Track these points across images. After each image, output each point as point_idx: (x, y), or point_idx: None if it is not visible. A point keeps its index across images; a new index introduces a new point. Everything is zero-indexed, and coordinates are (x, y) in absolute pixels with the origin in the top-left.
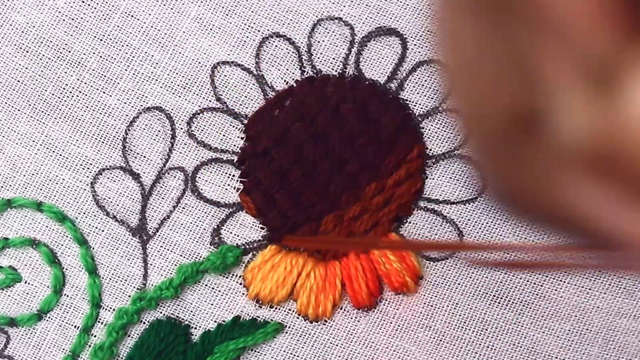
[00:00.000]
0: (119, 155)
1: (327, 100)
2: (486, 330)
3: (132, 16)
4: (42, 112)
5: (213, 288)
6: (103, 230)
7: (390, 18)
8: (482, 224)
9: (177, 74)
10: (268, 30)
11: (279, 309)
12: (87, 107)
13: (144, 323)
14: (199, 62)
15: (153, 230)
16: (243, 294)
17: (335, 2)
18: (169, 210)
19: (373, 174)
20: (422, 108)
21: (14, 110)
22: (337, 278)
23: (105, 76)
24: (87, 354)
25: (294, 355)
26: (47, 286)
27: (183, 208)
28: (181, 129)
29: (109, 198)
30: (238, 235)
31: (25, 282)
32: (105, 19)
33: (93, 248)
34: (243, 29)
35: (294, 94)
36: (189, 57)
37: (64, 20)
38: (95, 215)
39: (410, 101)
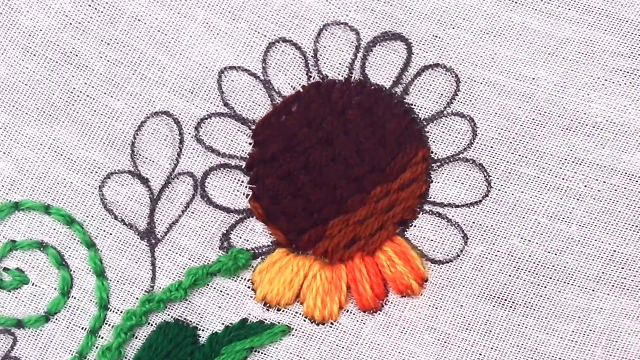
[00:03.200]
0: (127, 159)
1: (333, 105)
2: (491, 331)
3: (139, 20)
4: (50, 115)
5: (221, 291)
6: (111, 234)
7: (396, 23)
8: (487, 227)
9: (184, 78)
10: (274, 35)
11: (286, 312)
12: (94, 110)
13: (152, 325)
14: (206, 67)
15: (161, 234)
16: (251, 296)
17: (341, 7)
18: (177, 215)
19: (378, 177)
20: (427, 112)
21: (21, 114)
22: (343, 281)
23: (112, 80)
24: (94, 355)
25: (300, 357)
26: (54, 288)
27: (192, 213)
28: (189, 133)
29: (117, 202)
30: (248, 240)
31: (33, 284)
32: (112, 23)
33: (101, 251)
34: (250, 34)
35: (300, 100)
36: (196, 62)
37: (71, 24)
38: (103, 219)
39: (415, 105)
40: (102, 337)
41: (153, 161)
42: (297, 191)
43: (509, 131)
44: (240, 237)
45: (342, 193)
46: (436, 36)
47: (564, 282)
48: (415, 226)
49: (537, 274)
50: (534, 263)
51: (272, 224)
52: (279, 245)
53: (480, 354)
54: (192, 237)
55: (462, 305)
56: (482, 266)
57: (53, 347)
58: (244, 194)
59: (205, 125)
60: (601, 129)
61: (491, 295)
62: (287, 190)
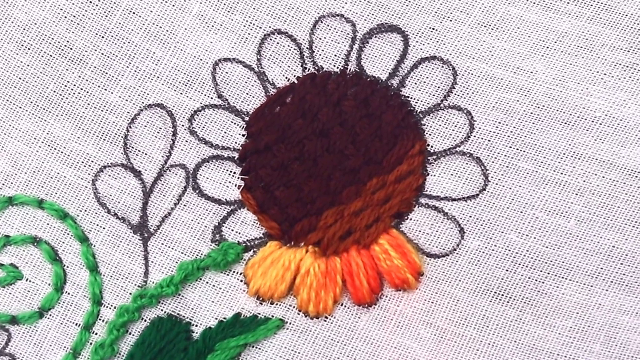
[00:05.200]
0: (120, 152)
1: (328, 97)
2: (487, 327)
3: (133, 13)
4: (44, 109)
5: (214, 285)
6: (104, 228)
7: (392, 15)
8: (484, 221)
9: (178, 70)
10: (269, 27)
11: (280, 306)
12: (88, 104)
13: (145, 320)
14: (201, 59)
15: (154, 228)
16: (244, 290)
17: None
18: (170, 208)
19: (374, 169)
20: (423, 104)
21: (15, 108)
22: (338, 274)
23: (106, 73)
24: (88, 351)
25: (295, 351)
26: (48, 284)
27: (184, 205)
28: (182, 126)
29: (110, 195)
30: (240, 233)
31: (27, 280)
32: (106, 16)
33: (94, 245)
34: (244, 26)
35: (295, 91)
36: (190, 54)
37: (65, 17)
38: (96, 213)
39: (411, 97)
40: (96, 333)
41: (146, 154)
42: (291, 181)
43: (506, 125)
44: (232, 230)
45: (337, 184)
46: (433, 28)
47: (562, 278)
48: (411, 219)
49: (534, 269)
50: (532, 258)
51: (264, 214)
52: (271, 238)
53: (476, 350)
54: (185, 230)
55: (458, 300)
56: (479, 261)
57: (47, 343)
58: (235, 185)
59: (199, 117)
60: (600, 124)
61: (488, 290)
62: (280, 181)
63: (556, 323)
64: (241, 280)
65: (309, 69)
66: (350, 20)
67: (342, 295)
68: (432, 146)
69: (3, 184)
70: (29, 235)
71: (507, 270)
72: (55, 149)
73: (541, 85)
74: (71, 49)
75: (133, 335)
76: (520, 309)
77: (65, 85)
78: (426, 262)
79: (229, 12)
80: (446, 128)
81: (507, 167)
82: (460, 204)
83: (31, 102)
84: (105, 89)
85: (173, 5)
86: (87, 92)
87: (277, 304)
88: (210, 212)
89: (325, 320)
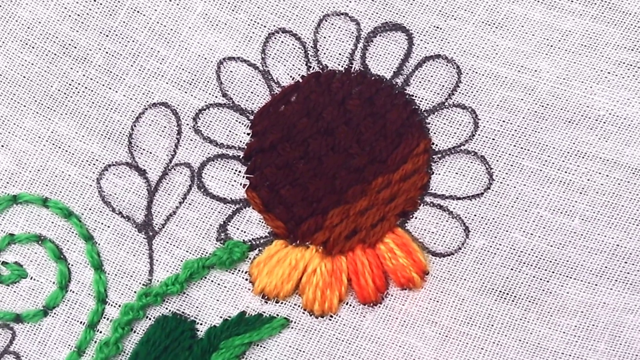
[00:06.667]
0: (125, 151)
1: (333, 96)
2: (492, 326)
3: (138, 12)
4: (48, 108)
5: (219, 284)
6: (109, 226)
7: (396, 13)
8: (489, 220)
9: (183, 69)
10: (274, 25)
11: (285, 304)
12: (93, 103)
13: (150, 319)
14: (205, 58)
15: (159, 226)
16: (249, 289)
17: None
18: (175, 206)
19: (379, 168)
20: (428, 103)
21: (19, 106)
22: (344, 273)
23: (111, 72)
24: (92, 349)
25: (300, 350)
26: (52, 282)
27: (189, 204)
28: (187, 124)
29: (115, 194)
30: (245, 232)
31: (31, 278)
32: (111, 15)
33: (99, 244)
34: (249, 25)
35: (300, 90)
36: (195, 53)
37: (69, 16)
38: (101, 211)
39: (416, 96)
40: (100, 332)
41: (151, 152)
42: (296, 180)
43: (511, 123)
44: (238, 229)
45: (342, 183)
46: (437, 27)
47: (567, 277)
48: (416, 218)
49: (539, 267)
50: (536, 257)
51: (270, 213)
52: (276, 237)
53: (481, 348)
54: (190, 229)
55: (463, 299)
56: (483, 259)
57: (52, 341)
58: (241, 184)
59: (204, 116)
60: (604, 122)
61: (493, 289)
62: (286, 180)
63: (561, 322)
64: (246, 279)
65: (313, 68)
66: (354, 19)
67: (347, 294)
68: (436, 145)
69: (7, 183)
70: (34, 234)
71: (511, 269)
72: (59, 147)
73: (545, 84)
74: (75, 47)
75: (138, 333)
76: (525, 307)
77: (70, 84)
78: (431, 261)
79: (233, 10)
80: (451, 127)
81: (512, 165)
82: (465, 202)
83: (35, 101)
84: (110, 88)
85: (177, 4)
86: (92, 90)
87: (282, 303)
88: (215, 210)
89: (330, 319)
